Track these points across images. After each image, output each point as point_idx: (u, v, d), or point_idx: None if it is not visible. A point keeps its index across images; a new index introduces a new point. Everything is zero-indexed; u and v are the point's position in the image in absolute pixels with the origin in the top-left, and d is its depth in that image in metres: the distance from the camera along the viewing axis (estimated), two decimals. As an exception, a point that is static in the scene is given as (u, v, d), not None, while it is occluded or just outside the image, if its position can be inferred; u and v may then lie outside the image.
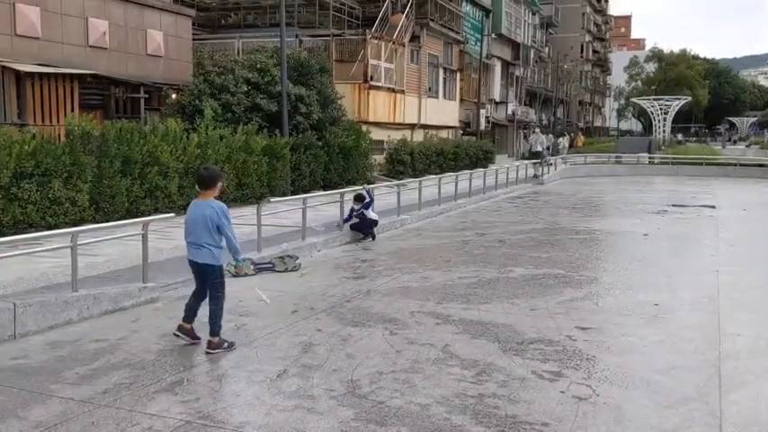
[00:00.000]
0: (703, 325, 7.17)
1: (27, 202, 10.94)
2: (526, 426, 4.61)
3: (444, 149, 28.33)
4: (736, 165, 34.78)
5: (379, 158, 24.86)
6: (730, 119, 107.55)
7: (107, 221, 10.17)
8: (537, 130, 36.73)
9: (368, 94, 24.74)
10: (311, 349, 6.15)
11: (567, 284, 9.01)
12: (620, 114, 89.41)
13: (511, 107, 47.67)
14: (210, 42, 25.30)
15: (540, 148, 30.53)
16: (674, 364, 5.89)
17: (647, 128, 75.11)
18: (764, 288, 9.38)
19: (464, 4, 36.67)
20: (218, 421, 4.64)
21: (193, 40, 20.90)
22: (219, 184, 6.22)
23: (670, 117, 63.55)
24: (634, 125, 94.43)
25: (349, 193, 13.38)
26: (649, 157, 39.32)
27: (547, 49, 60.50)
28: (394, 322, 7.05)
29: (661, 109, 63.34)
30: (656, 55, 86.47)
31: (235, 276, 8.62)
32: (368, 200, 12.48)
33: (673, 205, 19.38)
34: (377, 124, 25.10)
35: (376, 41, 25.10)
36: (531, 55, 51.83)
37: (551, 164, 32.02)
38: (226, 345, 6.09)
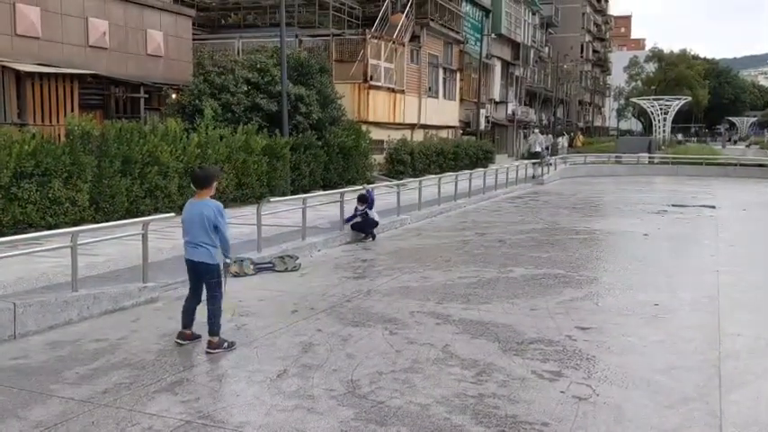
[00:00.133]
0: (703, 325, 7.18)
1: (27, 201, 10.94)
2: (526, 426, 4.61)
3: (444, 149, 28.33)
4: (736, 165, 34.82)
5: (378, 158, 24.85)
6: (730, 119, 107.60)
7: (107, 221, 10.15)
8: (536, 130, 36.78)
9: (368, 93, 24.71)
10: (311, 349, 6.15)
11: (567, 284, 9.02)
12: (620, 114, 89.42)
13: (511, 107, 47.68)
14: (210, 42, 25.29)
15: (538, 149, 30.61)
16: (674, 364, 5.89)
17: (647, 128, 75.12)
18: (764, 288, 9.38)
19: (464, 3, 36.66)
20: (218, 421, 4.64)
21: (193, 40, 20.90)
22: (215, 184, 6.25)
23: (670, 117, 63.59)
24: (634, 125, 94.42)
25: (349, 192, 13.38)
26: (649, 157, 39.34)
27: (547, 49, 60.52)
28: (394, 322, 7.05)
29: (661, 109, 63.38)
30: (656, 55, 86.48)
31: (235, 276, 8.62)
32: (370, 200, 12.53)
33: (673, 205, 19.38)
34: (377, 124, 25.08)
35: (376, 41, 25.09)
36: (531, 55, 51.84)
37: (551, 164, 32.03)
38: (226, 344, 6.09)
